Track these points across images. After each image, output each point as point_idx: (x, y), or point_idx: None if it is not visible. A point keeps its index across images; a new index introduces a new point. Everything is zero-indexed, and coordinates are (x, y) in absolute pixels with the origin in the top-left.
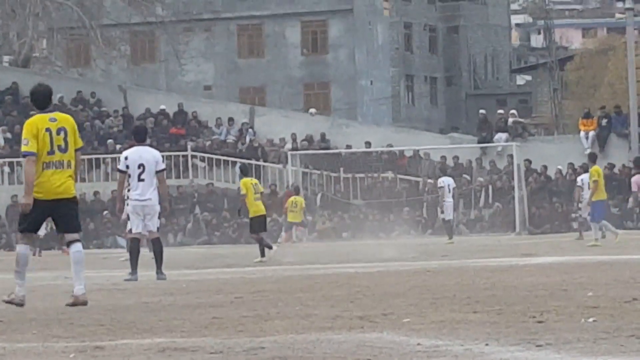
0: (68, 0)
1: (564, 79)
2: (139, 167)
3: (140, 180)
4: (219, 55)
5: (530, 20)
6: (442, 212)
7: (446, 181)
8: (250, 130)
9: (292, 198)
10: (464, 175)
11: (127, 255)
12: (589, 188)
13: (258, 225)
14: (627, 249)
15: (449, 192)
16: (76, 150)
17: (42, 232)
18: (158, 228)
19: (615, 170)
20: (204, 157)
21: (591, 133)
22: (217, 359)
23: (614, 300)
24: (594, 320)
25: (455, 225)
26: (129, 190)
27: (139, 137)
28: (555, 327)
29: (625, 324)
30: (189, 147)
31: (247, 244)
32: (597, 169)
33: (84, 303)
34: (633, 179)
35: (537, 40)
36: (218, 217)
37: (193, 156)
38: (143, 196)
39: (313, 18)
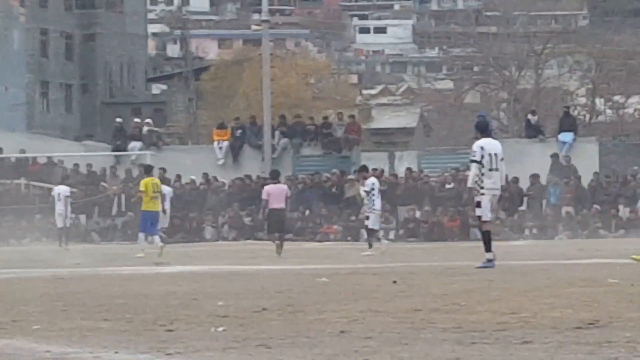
0: None
1: (200, 89)
2: None
3: None
4: None
5: (167, 29)
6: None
7: (57, 190)
8: None
9: None
10: (102, 184)
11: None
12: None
13: None
14: (258, 259)
15: (59, 200)
16: None
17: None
18: None
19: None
20: None
21: (225, 143)
22: None
23: (244, 309)
24: (223, 330)
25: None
26: None
27: None
28: (185, 336)
29: (254, 334)
30: None
31: None
32: (146, 181)
33: None
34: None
35: (173, 50)
36: None
37: None
38: None
39: None
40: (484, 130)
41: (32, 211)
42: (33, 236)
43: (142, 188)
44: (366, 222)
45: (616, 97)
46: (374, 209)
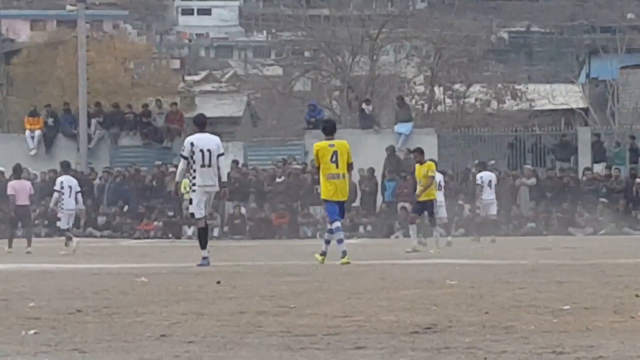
0: None
1: (10, 73)
2: None
3: None
4: None
5: None
6: None
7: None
8: None
9: None
10: None
11: None
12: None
13: None
14: (72, 257)
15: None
16: None
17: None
18: None
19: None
20: None
21: (37, 132)
22: None
23: (57, 311)
24: (35, 333)
25: None
26: None
27: None
28: None
29: (68, 337)
30: None
31: None
32: None
33: None
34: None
35: None
36: None
37: None
38: None
39: None
40: (200, 124)
41: None
42: None
43: None
44: (58, 224)
45: (456, 86)
46: (62, 209)
